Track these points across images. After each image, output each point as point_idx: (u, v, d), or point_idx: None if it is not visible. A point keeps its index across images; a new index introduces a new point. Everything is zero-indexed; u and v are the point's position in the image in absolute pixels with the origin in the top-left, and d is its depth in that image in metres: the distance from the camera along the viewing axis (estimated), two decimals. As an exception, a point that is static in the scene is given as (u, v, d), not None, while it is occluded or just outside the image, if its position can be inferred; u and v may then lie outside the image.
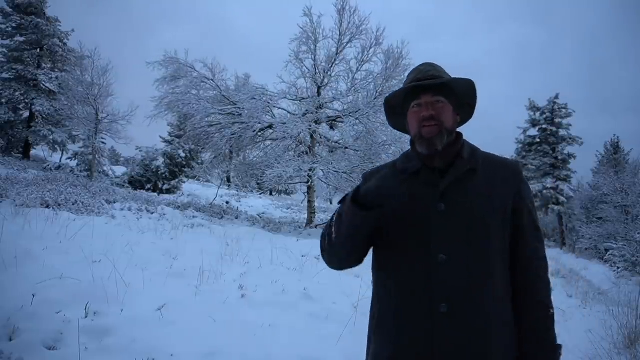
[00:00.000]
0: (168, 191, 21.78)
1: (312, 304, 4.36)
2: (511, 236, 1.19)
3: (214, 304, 3.83)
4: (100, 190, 11.93)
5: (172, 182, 22.65)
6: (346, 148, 15.35)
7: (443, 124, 1.21)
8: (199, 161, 21.77)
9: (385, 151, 14.97)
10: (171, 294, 3.86)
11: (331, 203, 35.16)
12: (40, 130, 21.48)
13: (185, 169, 23.29)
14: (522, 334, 1.16)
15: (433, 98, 1.22)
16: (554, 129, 26.89)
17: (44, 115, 21.99)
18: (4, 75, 21.76)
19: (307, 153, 14.81)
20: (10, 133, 21.90)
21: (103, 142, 21.24)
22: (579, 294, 7.86)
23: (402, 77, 14.26)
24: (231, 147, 16.16)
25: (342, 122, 15.51)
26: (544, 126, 27.12)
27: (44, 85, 22.25)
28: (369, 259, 1.31)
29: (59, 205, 8.59)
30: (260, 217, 16.67)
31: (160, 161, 22.68)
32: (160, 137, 25.91)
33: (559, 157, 26.77)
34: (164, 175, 22.60)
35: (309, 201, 15.71)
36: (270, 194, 32.36)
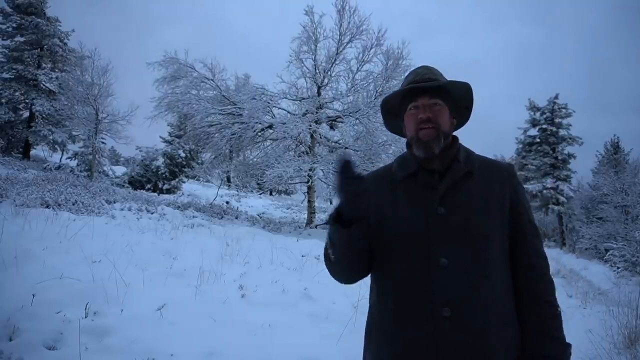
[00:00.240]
0: (168, 191, 21.78)
1: (312, 303, 4.36)
2: (510, 237, 1.20)
3: (214, 304, 3.83)
4: (100, 190, 11.93)
5: (172, 182, 22.65)
6: (346, 148, 15.34)
7: (440, 126, 1.21)
8: (199, 161, 21.78)
9: (385, 151, 14.98)
10: (171, 294, 3.86)
11: (331, 203, 35.11)
12: (40, 130, 21.49)
13: (185, 169, 23.29)
14: (530, 334, 1.15)
15: (430, 100, 1.22)
16: (554, 129, 26.91)
17: (44, 115, 21.99)
18: (4, 75, 21.76)
19: (307, 153, 14.82)
20: (10, 133, 21.90)
21: (103, 142, 21.25)
22: (579, 294, 7.86)
23: (402, 77, 14.24)
24: (231, 147, 16.17)
25: (342, 122, 15.52)
26: (544, 126, 27.13)
27: (44, 85, 22.25)
28: None
29: (59, 205, 8.59)
30: (260, 217, 16.67)
31: (160, 161, 22.68)
32: (160, 137, 25.92)
33: (559, 157, 26.78)
34: (164, 175, 22.60)
35: (309, 201, 15.71)
36: (270, 194, 32.36)
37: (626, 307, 5.05)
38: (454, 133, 1.31)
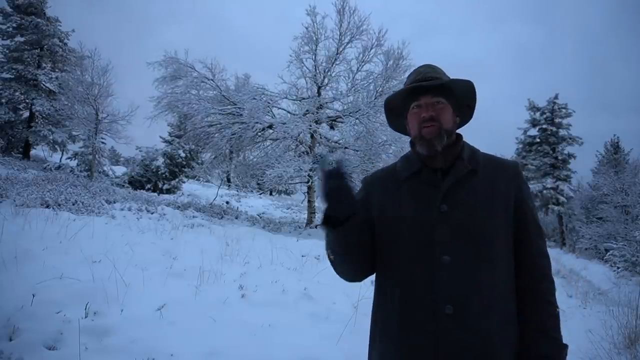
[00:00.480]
0: (168, 191, 21.78)
1: (312, 303, 4.36)
2: (514, 235, 1.19)
3: (214, 304, 3.83)
4: (100, 190, 11.93)
5: (172, 182, 22.65)
6: (346, 148, 15.35)
7: (442, 125, 1.22)
8: (199, 161, 21.77)
9: (385, 151, 14.97)
10: (171, 294, 3.86)
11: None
12: (40, 130, 21.48)
13: (185, 169, 23.29)
14: (529, 333, 1.16)
15: (433, 99, 1.23)
16: (554, 129, 26.92)
17: (44, 115, 21.99)
18: (4, 75, 21.75)
19: (307, 153, 14.82)
20: (10, 133, 21.90)
21: (103, 142, 21.25)
22: (579, 294, 7.86)
23: (402, 77, 14.28)
24: (231, 147, 16.16)
25: (342, 122, 15.51)
26: (544, 126, 27.15)
27: (44, 85, 22.25)
28: None
29: (59, 205, 8.59)
30: (260, 217, 16.67)
31: (160, 161, 22.68)
32: (160, 137, 25.92)
33: (559, 157, 26.79)
34: (164, 175, 22.60)
35: (309, 201, 15.71)
36: (270, 194, 32.35)
37: (626, 307, 5.05)
38: (458, 131, 1.31)
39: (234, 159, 17.79)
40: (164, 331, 3.15)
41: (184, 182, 24.10)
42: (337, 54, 15.11)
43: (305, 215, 16.86)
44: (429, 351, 1.12)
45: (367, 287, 1.34)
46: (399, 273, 1.19)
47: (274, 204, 24.27)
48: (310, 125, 14.42)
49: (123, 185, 19.88)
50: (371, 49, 14.94)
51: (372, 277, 1.31)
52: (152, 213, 10.54)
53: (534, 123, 27.76)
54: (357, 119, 14.65)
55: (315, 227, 14.33)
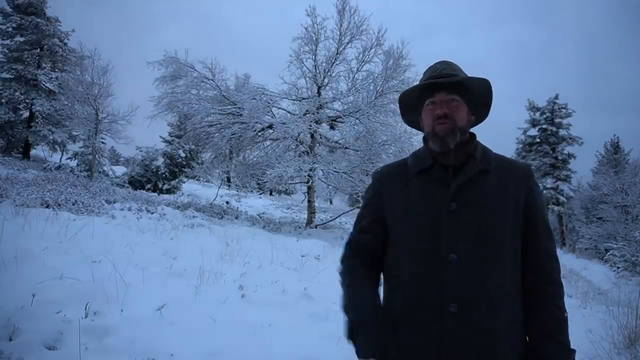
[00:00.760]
0: (168, 191, 21.77)
1: (312, 303, 4.36)
2: (523, 236, 1.19)
3: (214, 304, 3.83)
4: (100, 190, 11.93)
5: (172, 182, 22.63)
6: (346, 148, 15.34)
7: (456, 122, 1.21)
8: (199, 161, 21.75)
9: (385, 151, 14.96)
10: (171, 294, 3.86)
11: (331, 203, 35.17)
12: (40, 130, 21.48)
13: (185, 169, 23.28)
14: (535, 335, 1.15)
15: (447, 96, 1.22)
16: (554, 129, 26.91)
17: (44, 115, 21.98)
18: (4, 75, 21.74)
19: (307, 153, 14.81)
20: (10, 133, 21.89)
21: (103, 142, 21.24)
22: (579, 294, 7.86)
23: (403, 77, 14.29)
24: (231, 147, 16.15)
25: (342, 122, 15.50)
26: (544, 126, 27.14)
27: (44, 85, 22.24)
28: None
29: (59, 205, 8.59)
30: (260, 217, 16.67)
31: (160, 161, 22.67)
32: (160, 137, 25.92)
33: (559, 157, 26.78)
34: (164, 175, 22.59)
35: (309, 201, 15.71)
36: (270, 194, 32.34)
37: (626, 307, 5.05)
38: (473, 130, 1.30)
39: (234, 159, 17.77)
40: (164, 331, 3.14)
41: (184, 182, 24.09)
42: (337, 54, 15.10)
43: (305, 215, 16.85)
44: (431, 349, 1.12)
45: (367, 287, 1.34)
46: (404, 270, 1.19)
47: (274, 204, 24.26)
48: (311, 125, 14.42)
49: (123, 185, 19.87)
50: (371, 48, 14.93)
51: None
52: (152, 213, 10.54)
53: (533, 123, 27.76)
54: (357, 119, 14.64)
55: (316, 227, 14.33)
